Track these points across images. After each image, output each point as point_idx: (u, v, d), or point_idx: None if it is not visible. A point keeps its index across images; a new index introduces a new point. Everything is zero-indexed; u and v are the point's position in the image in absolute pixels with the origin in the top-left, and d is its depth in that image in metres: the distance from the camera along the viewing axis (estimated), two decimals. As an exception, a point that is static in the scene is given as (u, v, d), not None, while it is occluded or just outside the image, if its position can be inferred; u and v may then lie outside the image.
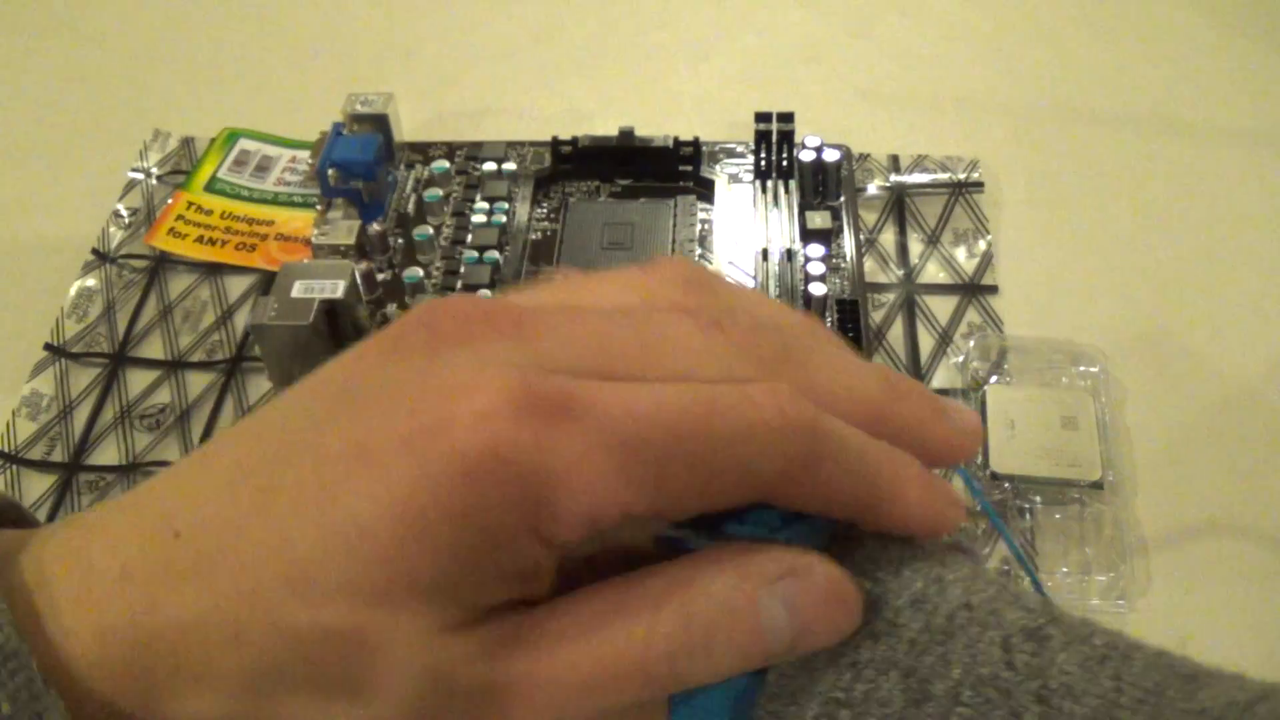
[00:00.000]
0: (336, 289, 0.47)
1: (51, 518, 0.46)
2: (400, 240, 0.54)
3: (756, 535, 0.20)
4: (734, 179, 0.55)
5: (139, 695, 0.18)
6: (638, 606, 0.19)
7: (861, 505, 0.20)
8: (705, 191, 0.55)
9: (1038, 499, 0.44)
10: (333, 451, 0.18)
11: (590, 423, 0.18)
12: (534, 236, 0.53)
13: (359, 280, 0.49)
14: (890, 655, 0.19)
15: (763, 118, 0.55)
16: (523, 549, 0.18)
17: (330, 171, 0.52)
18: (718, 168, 0.56)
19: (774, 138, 0.55)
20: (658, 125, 0.56)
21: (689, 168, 0.56)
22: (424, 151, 0.58)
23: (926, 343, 0.50)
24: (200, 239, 0.56)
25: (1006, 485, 0.44)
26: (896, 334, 0.51)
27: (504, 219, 0.54)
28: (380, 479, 0.17)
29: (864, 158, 0.58)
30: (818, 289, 0.49)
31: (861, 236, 0.54)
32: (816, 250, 0.51)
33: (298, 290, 0.46)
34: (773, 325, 0.22)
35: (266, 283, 0.53)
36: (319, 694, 0.18)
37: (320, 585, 0.17)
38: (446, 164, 0.57)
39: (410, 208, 0.55)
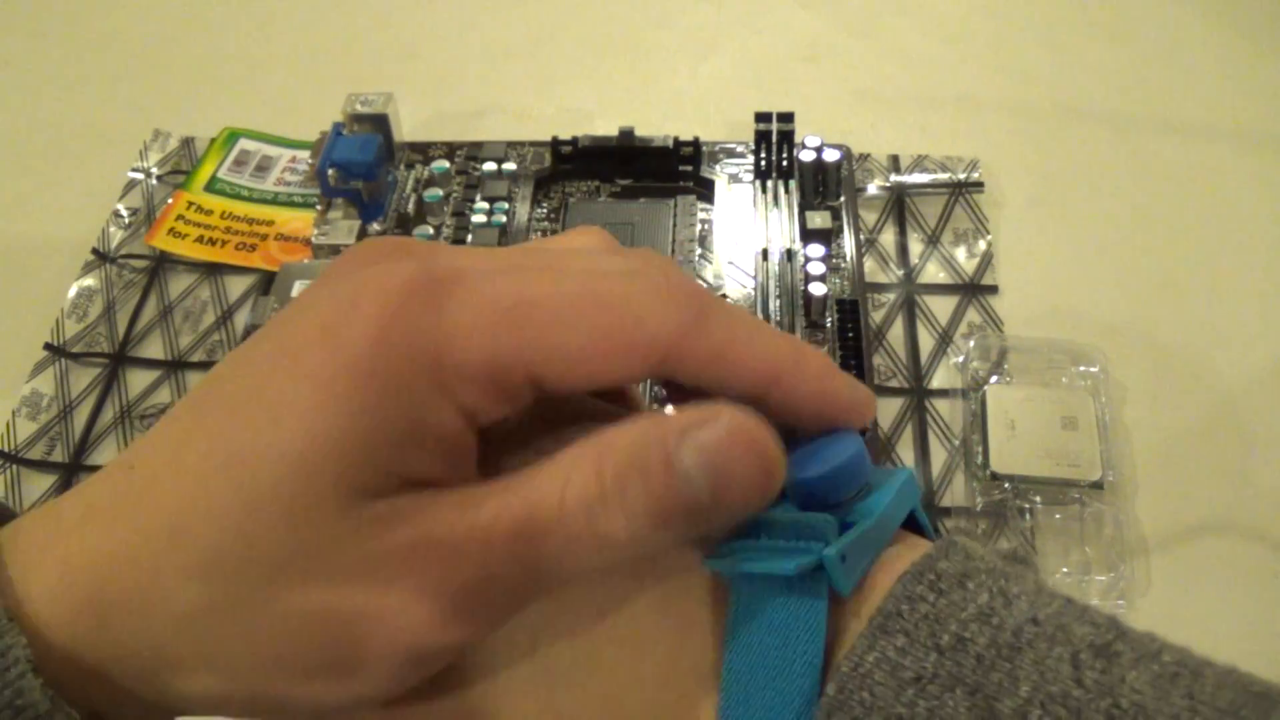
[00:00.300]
0: (336, 289, 0.47)
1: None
2: (400, 240, 0.54)
3: (787, 557, 0.20)
4: (734, 179, 0.55)
5: (99, 622, 0.19)
6: (553, 466, 0.19)
7: (761, 375, 0.21)
8: (705, 191, 0.55)
9: (1038, 499, 0.44)
10: (259, 357, 0.20)
11: (483, 289, 0.19)
12: (534, 237, 0.53)
13: (359, 280, 0.49)
14: (956, 671, 0.19)
15: (763, 118, 0.55)
16: (434, 409, 0.19)
17: (330, 171, 0.52)
18: (718, 168, 0.56)
19: (774, 138, 0.55)
20: (658, 125, 0.56)
21: (689, 168, 0.56)
22: (424, 151, 0.58)
23: (926, 343, 0.50)
24: (200, 239, 0.56)
25: (1006, 485, 0.44)
26: (896, 334, 0.51)
27: (504, 219, 0.54)
28: (298, 363, 0.19)
29: (864, 158, 0.58)
30: (818, 289, 0.49)
31: (861, 236, 0.54)
32: (816, 250, 0.51)
33: (298, 290, 0.46)
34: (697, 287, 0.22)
35: (266, 283, 0.53)
36: (264, 571, 0.18)
37: (252, 467, 0.18)
38: (446, 164, 0.57)
39: (410, 208, 0.55)
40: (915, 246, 0.54)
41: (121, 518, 0.19)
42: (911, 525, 0.23)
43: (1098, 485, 0.44)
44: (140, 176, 0.59)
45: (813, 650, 0.20)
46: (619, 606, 0.21)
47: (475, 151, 0.58)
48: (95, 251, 0.56)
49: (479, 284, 0.19)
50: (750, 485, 0.19)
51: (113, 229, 0.57)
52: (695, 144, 0.55)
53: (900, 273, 0.53)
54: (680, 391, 0.22)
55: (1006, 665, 0.19)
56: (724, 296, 0.51)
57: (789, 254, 0.51)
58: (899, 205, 0.56)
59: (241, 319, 0.53)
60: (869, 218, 0.56)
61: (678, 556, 0.22)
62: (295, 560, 0.18)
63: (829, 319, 0.49)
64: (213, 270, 0.55)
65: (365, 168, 0.52)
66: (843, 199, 0.54)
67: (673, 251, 0.52)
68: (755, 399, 0.21)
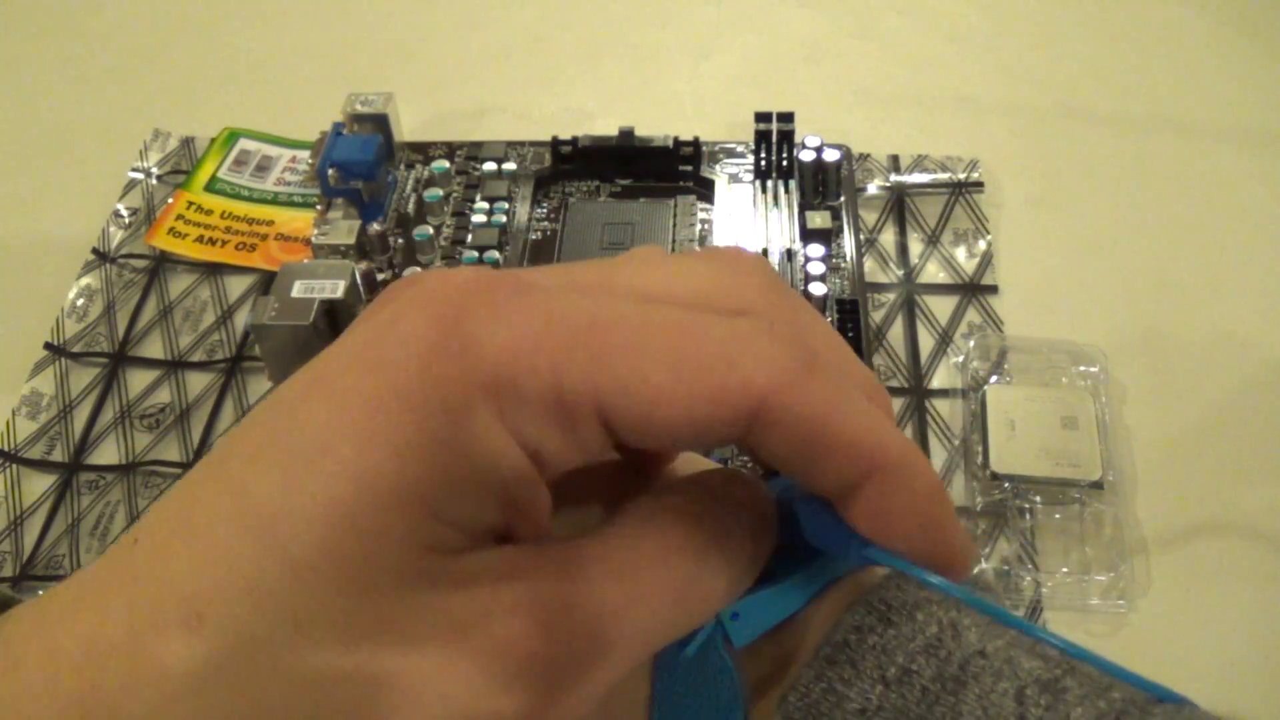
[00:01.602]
0: (336, 289, 0.47)
1: (51, 517, 0.46)
2: (400, 240, 0.54)
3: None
4: (734, 179, 0.55)
5: (95, 711, 0.16)
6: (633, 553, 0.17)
7: (859, 463, 0.17)
8: (705, 191, 0.55)
9: (1038, 499, 0.44)
10: (289, 394, 0.16)
11: (553, 302, 0.16)
12: (534, 236, 0.53)
13: (359, 280, 0.49)
14: (901, 705, 0.18)
15: (763, 118, 0.55)
16: (495, 439, 0.16)
17: (330, 171, 0.52)
18: (718, 168, 0.56)
19: (774, 138, 0.55)
20: (658, 125, 0.56)
21: (689, 168, 0.56)
22: (424, 151, 0.58)
23: (926, 343, 0.50)
24: (200, 239, 0.56)
25: (1006, 485, 0.44)
26: (896, 334, 0.51)
27: (504, 219, 0.54)
28: (333, 394, 0.16)
29: (864, 158, 0.58)
30: (818, 289, 0.49)
31: (861, 236, 0.54)
32: (816, 250, 0.51)
33: (298, 290, 0.46)
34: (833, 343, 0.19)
35: (266, 283, 0.53)
36: (304, 649, 0.15)
37: (287, 526, 0.15)
38: (446, 164, 0.57)
39: (410, 208, 0.55)
40: (915, 246, 0.54)
41: (119, 599, 0.16)
42: None
43: (1098, 485, 0.44)
44: (140, 176, 0.59)
45: (731, 691, 0.20)
46: None
47: (475, 151, 0.58)
48: (95, 251, 0.56)
49: (548, 296, 0.16)
50: (771, 543, 0.19)
51: (113, 229, 0.57)
52: (695, 144, 0.55)
53: (900, 273, 0.53)
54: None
55: (950, 700, 0.18)
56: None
57: (789, 254, 0.51)
58: (899, 205, 0.56)
59: (241, 319, 0.53)
60: (869, 218, 0.55)
61: None
62: (348, 634, 0.15)
63: (829, 319, 0.49)
64: (213, 270, 0.55)
65: (365, 168, 0.52)
66: (843, 199, 0.54)
67: (673, 251, 0.52)
68: (836, 495, 0.18)
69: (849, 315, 0.49)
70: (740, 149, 0.57)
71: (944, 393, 0.49)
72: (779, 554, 0.21)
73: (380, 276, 0.51)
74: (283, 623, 0.15)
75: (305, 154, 0.59)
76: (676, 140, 0.55)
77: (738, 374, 0.16)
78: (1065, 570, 0.42)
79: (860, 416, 0.17)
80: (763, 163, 0.55)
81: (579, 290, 0.17)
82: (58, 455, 0.48)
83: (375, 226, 0.52)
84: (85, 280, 0.54)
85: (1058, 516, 0.44)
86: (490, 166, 0.56)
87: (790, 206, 0.53)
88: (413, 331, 0.16)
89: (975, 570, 0.43)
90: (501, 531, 0.17)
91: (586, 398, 0.16)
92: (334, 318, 0.46)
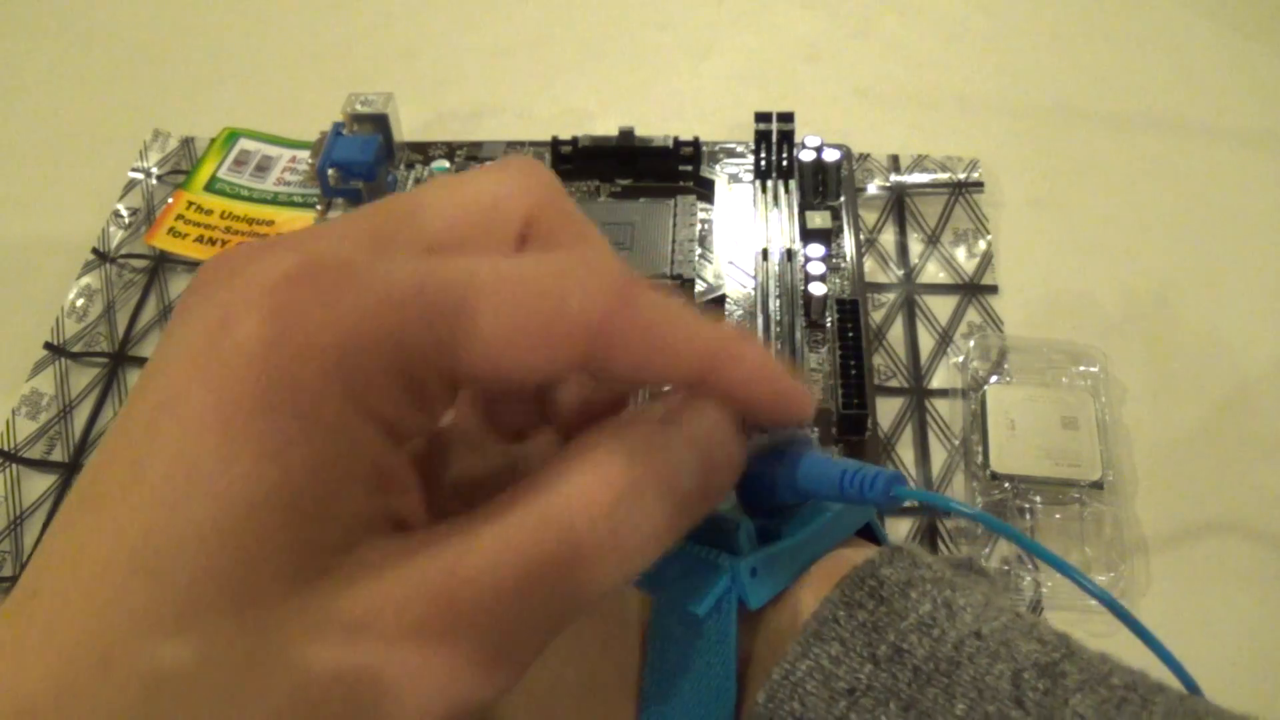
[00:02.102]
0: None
1: (50, 517, 0.46)
2: (400, 240, 0.54)
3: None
4: (734, 179, 0.55)
5: None
6: (557, 479, 0.17)
7: (696, 360, 0.18)
8: (705, 191, 0.55)
9: (1038, 499, 0.44)
10: (137, 420, 0.16)
11: (377, 272, 0.17)
12: (534, 236, 0.53)
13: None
14: (891, 684, 0.18)
15: (763, 118, 0.55)
16: (353, 426, 0.16)
17: (330, 171, 0.52)
18: (718, 168, 0.56)
19: (774, 138, 0.55)
20: (658, 125, 0.56)
21: (689, 168, 0.56)
22: (424, 151, 0.58)
23: (926, 343, 0.50)
24: (200, 239, 0.56)
25: (1006, 485, 0.44)
26: (896, 334, 0.51)
27: (504, 219, 0.54)
28: (181, 414, 0.15)
29: (864, 158, 0.58)
30: (818, 289, 0.49)
31: (861, 236, 0.54)
32: (816, 250, 0.51)
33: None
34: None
35: (266, 282, 0.53)
36: (223, 682, 0.15)
37: (171, 560, 0.15)
38: (446, 164, 0.57)
39: (410, 208, 0.55)
40: (915, 246, 0.54)
41: (34, 655, 0.15)
42: (868, 535, 0.23)
43: (1098, 485, 0.44)
44: (140, 176, 0.59)
45: (725, 663, 0.20)
46: None
47: (475, 151, 0.58)
48: (95, 251, 0.56)
49: (371, 271, 0.16)
50: (728, 478, 0.19)
51: (113, 229, 0.57)
52: (695, 144, 0.55)
53: (900, 273, 0.53)
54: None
55: (944, 680, 0.18)
56: (724, 297, 0.51)
57: (789, 254, 0.51)
58: (899, 205, 0.56)
59: (241, 319, 0.53)
60: (869, 218, 0.55)
61: None
62: (261, 659, 0.15)
63: (829, 319, 0.49)
64: (213, 270, 0.55)
65: (365, 168, 0.52)
66: (843, 199, 0.54)
67: (673, 251, 0.52)
68: (687, 389, 0.19)
69: (849, 315, 0.49)
70: (740, 149, 0.57)
71: (944, 393, 0.49)
72: (786, 513, 0.21)
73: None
74: (184, 654, 0.15)
75: (305, 154, 0.59)
76: (676, 140, 0.55)
77: (568, 310, 0.17)
78: (1065, 570, 0.42)
79: (684, 325, 0.18)
80: (763, 163, 0.55)
81: (387, 242, 0.18)
82: (58, 455, 0.48)
83: (375, 226, 0.52)
84: (85, 280, 0.54)
85: (1058, 516, 0.44)
86: (490, 166, 0.56)
87: (790, 206, 0.53)
88: (248, 335, 0.16)
89: (975, 570, 0.43)
90: (389, 515, 0.17)
91: (431, 363, 0.17)
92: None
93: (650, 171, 0.56)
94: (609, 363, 0.18)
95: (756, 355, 0.19)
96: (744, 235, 0.53)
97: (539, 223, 0.19)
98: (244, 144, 0.60)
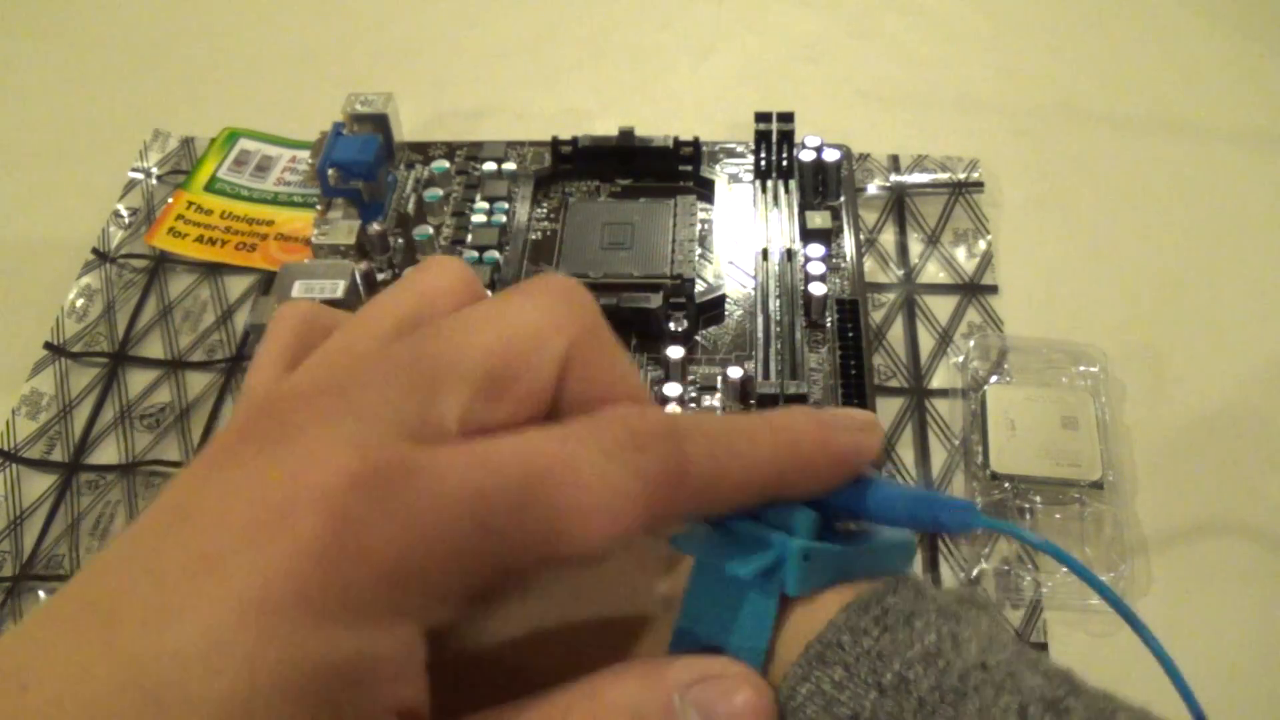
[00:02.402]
0: (336, 289, 0.47)
1: (51, 517, 0.46)
2: (400, 240, 0.54)
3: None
4: (734, 179, 0.55)
5: None
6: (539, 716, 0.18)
7: (765, 482, 0.19)
8: (705, 191, 0.55)
9: (1038, 499, 0.44)
10: (173, 566, 0.16)
11: (443, 478, 0.17)
12: (534, 236, 0.53)
13: (359, 280, 0.49)
14: (896, 713, 0.18)
15: (763, 118, 0.55)
16: (389, 631, 0.16)
17: (330, 171, 0.52)
18: (718, 168, 0.56)
19: (774, 138, 0.55)
20: (658, 125, 0.56)
21: (689, 168, 0.56)
22: (424, 151, 0.58)
23: (926, 343, 0.50)
24: (200, 239, 0.56)
25: (1006, 485, 0.44)
26: (896, 334, 0.51)
27: (504, 219, 0.54)
28: (223, 581, 0.16)
29: (864, 158, 0.58)
30: (818, 289, 0.49)
31: (861, 236, 0.54)
32: (816, 250, 0.51)
33: (298, 290, 0.46)
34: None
35: (266, 283, 0.53)
36: None
37: (174, 709, 0.15)
38: (446, 164, 0.57)
39: (410, 208, 0.55)
40: (915, 246, 0.54)
41: None
42: None
43: (1098, 485, 0.44)
44: (140, 176, 0.59)
45: (756, 635, 0.20)
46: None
47: (475, 151, 0.58)
48: (95, 251, 0.56)
49: (435, 467, 0.17)
50: None
51: (113, 229, 0.57)
52: (695, 144, 0.55)
53: (900, 273, 0.53)
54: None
55: (949, 711, 0.18)
56: (724, 297, 0.50)
57: (789, 254, 0.51)
58: (899, 205, 0.56)
59: (241, 319, 0.53)
60: (869, 218, 0.55)
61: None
62: None
63: (829, 319, 0.49)
64: (213, 270, 0.55)
65: (365, 168, 0.52)
66: (843, 199, 0.54)
67: (672, 251, 0.52)
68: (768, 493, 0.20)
69: (849, 315, 0.49)
70: (740, 149, 0.57)
71: (944, 393, 0.49)
72: (846, 531, 0.21)
73: (380, 276, 0.51)
74: None
75: (305, 154, 0.59)
76: (676, 140, 0.55)
77: (648, 470, 0.18)
78: (1065, 570, 0.42)
79: (738, 457, 0.19)
80: (763, 163, 0.55)
81: (435, 391, 0.18)
82: (58, 455, 0.48)
83: (375, 226, 0.52)
84: (85, 280, 0.54)
85: (1058, 516, 0.44)
86: (490, 166, 0.56)
87: (790, 206, 0.53)
88: (307, 534, 0.16)
89: (975, 571, 0.43)
90: (401, 707, 0.17)
91: (483, 569, 0.17)
92: (334, 318, 0.46)
93: (650, 171, 0.56)
94: (672, 521, 0.19)
95: (809, 433, 0.20)
96: (744, 235, 0.53)
97: (579, 355, 0.19)
98: (244, 144, 0.60)
